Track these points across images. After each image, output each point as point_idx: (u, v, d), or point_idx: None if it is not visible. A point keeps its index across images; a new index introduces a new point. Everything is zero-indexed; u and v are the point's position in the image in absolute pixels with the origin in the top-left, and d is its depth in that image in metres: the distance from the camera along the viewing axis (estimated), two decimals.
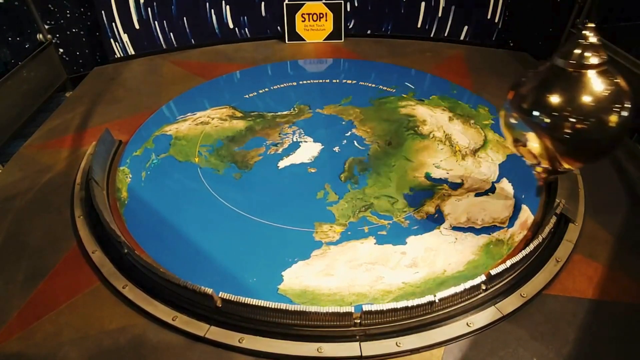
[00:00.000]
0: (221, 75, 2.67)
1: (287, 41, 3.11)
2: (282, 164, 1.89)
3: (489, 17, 2.94)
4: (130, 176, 1.83)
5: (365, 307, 1.16)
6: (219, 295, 1.20)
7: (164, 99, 2.41)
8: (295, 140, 2.04)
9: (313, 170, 1.85)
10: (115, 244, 1.43)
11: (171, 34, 2.99)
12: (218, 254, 1.47)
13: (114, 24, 2.81)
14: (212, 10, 2.99)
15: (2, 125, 2.23)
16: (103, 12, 2.74)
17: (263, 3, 3.03)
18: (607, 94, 1.16)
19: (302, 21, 3.06)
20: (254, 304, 1.17)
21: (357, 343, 1.17)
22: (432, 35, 3.11)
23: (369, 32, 3.20)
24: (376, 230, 1.54)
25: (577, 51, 1.17)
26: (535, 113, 1.20)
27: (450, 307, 1.23)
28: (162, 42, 3.00)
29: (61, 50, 2.78)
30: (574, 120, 1.15)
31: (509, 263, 1.28)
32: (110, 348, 1.18)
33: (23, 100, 2.42)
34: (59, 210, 1.65)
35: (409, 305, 1.17)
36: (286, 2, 3.00)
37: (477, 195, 1.69)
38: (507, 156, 1.89)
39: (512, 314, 1.24)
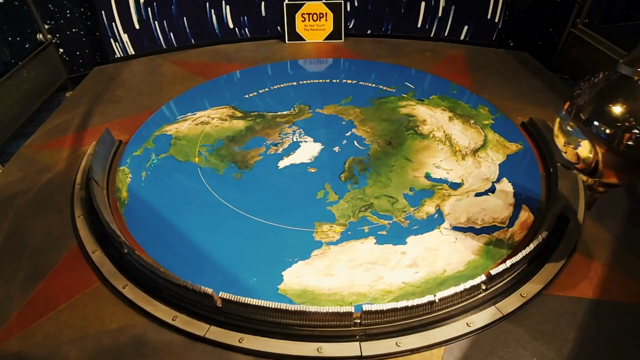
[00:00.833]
0: (221, 75, 2.67)
1: (287, 41, 3.11)
2: (282, 163, 1.89)
3: (489, 16, 2.94)
4: (131, 176, 1.83)
5: (365, 307, 1.16)
6: (219, 295, 1.20)
7: (164, 98, 2.41)
8: (295, 140, 2.04)
9: (313, 170, 1.85)
10: (116, 243, 1.43)
11: (171, 33, 2.99)
12: (218, 254, 1.47)
13: (114, 23, 2.81)
14: (212, 10, 3.00)
15: (3, 125, 2.24)
16: (103, 12, 2.74)
17: (263, 3, 3.03)
18: None
19: (302, 21, 3.06)
20: (254, 303, 1.17)
21: (357, 343, 1.17)
22: (432, 35, 3.11)
23: (369, 32, 3.20)
24: (376, 230, 1.54)
25: None
26: (596, 123, 1.12)
27: (450, 307, 1.23)
28: (162, 42, 3.00)
29: (61, 50, 2.78)
30: (637, 132, 1.07)
31: (509, 263, 1.28)
32: (111, 348, 1.18)
33: (23, 100, 2.42)
34: (59, 210, 1.66)
35: (409, 305, 1.17)
36: (286, 2, 3.00)
37: (477, 195, 1.69)
38: (507, 156, 1.89)
39: (512, 313, 1.24)
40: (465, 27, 3.03)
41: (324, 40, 3.12)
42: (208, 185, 1.78)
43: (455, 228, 1.54)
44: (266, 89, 2.48)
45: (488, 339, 1.19)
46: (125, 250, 1.39)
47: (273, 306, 1.16)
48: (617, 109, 1.10)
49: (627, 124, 1.08)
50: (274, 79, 2.62)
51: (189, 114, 2.25)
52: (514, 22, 2.92)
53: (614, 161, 1.15)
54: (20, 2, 2.51)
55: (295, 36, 3.10)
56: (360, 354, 1.15)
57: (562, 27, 2.71)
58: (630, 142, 1.09)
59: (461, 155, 1.90)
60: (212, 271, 1.41)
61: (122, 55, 2.93)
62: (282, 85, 2.52)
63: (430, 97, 2.35)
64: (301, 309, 1.16)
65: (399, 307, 1.16)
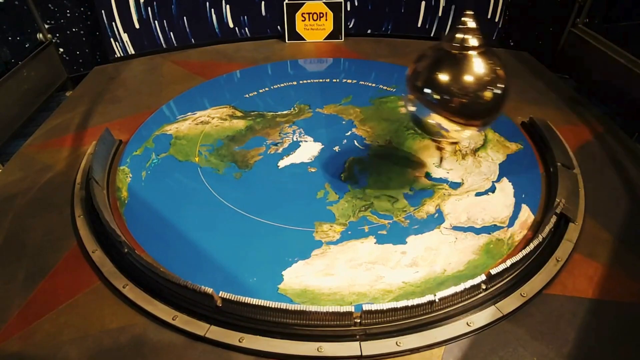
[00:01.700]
0: (221, 75, 2.67)
1: (287, 41, 3.11)
2: (282, 163, 1.89)
3: (489, 16, 2.93)
4: (131, 176, 1.83)
5: (366, 307, 1.16)
6: (219, 295, 1.20)
7: (164, 98, 2.41)
8: (295, 139, 2.04)
9: (313, 170, 1.85)
10: (116, 243, 1.43)
11: (171, 33, 2.99)
12: (218, 254, 1.47)
13: (114, 23, 2.81)
14: (212, 10, 3.00)
15: (3, 125, 2.24)
16: (103, 11, 2.74)
17: (263, 3, 3.03)
18: (486, 71, 1.34)
19: (302, 20, 3.06)
20: (254, 303, 1.17)
21: (357, 342, 1.17)
22: (432, 34, 3.11)
23: (369, 31, 3.19)
24: (376, 229, 1.54)
25: (459, 35, 1.34)
26: (428, 91, 1.38)
27: (450, 307, 1.23)
28: (162, 42, 3.00)
29: (61, 49, 2.78)
30: (458, 95, 1.34)
31: (509, 263, 1.28)
32: (111, 347, 1.18)
33: (23, 99, 2.42)
34: (60, 210, 1.66)
35: (409, 304, 1.17)
36: (286, 1, 3.00)
37: (477, 194, 1.69)
38: (507, 156, 1.89)
39: (512, 313, 1.24)
40: None
41: (324, 39, 3.12)
42: (208, 184, 1.78)
43: (456, 228, 1.54)
44: (266, 89, 2.48)
45: (488, 338, 1.19)
46: (126, 250, 1.39)
47: (273, 306, 1.16)
48: (444, 77, 1.35)
49: (452, 88, 1.34)
50: (274, 78, 2.62)
51: (189, 113, 2.25)
52: (514, 22, 2.92)
53: (450, 119, 1.40)
54: (20, 1, 2.51)
55: (295, 36, 3.10)
56: (360, 354, 1.15)
57: (563, 27, 2.70)
58: (455, 105, 1.35)
59: (461, 154, 1.90)
60: (212, 271, 1.41)
61: (122, 54, 2.93)
62: (282, 85, 2.52)
63: None
64: (301, 309, 1.16)
65: (399, 306, 1.16)
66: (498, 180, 1.76)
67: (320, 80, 2.58)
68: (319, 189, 1.73)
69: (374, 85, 2.50)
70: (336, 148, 1.98)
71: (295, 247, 1.48)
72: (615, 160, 1.86)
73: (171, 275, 1.27)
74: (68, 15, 2.72)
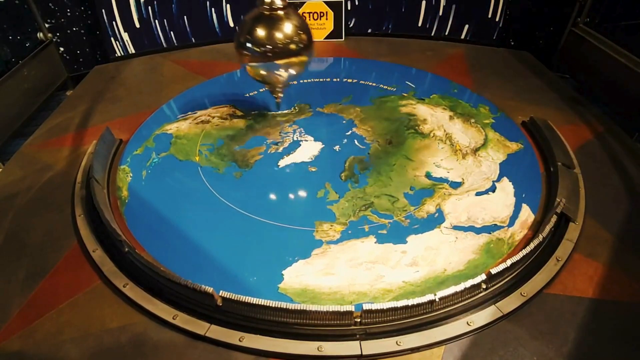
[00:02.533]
0: (222, 74, 2.67)
1: None
2: (282, 162, 1.89)
3: (489, 15, 2.93)
4: (131, 175, 1.83)
5: (366, 306, 1.16)
6: (220, 294, 1.20)
7: (164, 97, 2.41)
8: (295, 139, 2.04)
9: (313, 169, 1.85)
10: (116, 242, 1.43)
11: (171, 32, 2.99)
12: (218, 253, 1.47)
13: (114, 22, 2.81)
14: (213, 9, 2.99)
15: (3, 124, 2.24)
16: (103, 10, 2.74)
17: None
18: (291, 26, 1.84)
19: None
20: (254, 302, 1.17)
21: (358, 342, 1.17)
22: (432, 34, 3.11)
23: (369, 30, 3.19)
24: (376, 229, 1.54)
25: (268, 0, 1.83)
26: (249, 45, 1.85)
27: (450, 306, 1.23)
28: (163, 41, 2.99)
29: (62, 48, 2.78)
30: (271, 47, 1.83)
31: (509, 262, 1.28)
32: (111, 346, 1.19)
33: (24, 99, 2.42)
34: (60, 209, 1.66)
35: (409, 304, 1.17)
36: (287, 0, 2.99)
37: (477, 194, 1.69)
38: (508, 155, 1.89)
39: (512, 313, 1.24)
40: (466, 26, 3.03)
41: (325, 39, 3.12)
42: (208, 184, 1.78)
43: (456, 227, 1.54)
44: (266, 88, 2.47)
45: (488, 338, 1.19)
46: (126, 249, 1.39)
47: (273, 305, 1.16)
48: (261, 33, 1.83)
49: (267, 40, 1.83)
50: None
51: (190, 112, 2.25)
52: (515, 21, 2.92)
53: (274, 65, 1.90)
54: (20, 0, 2.51)
55: None
56: (360, 353, 1.15)
57: (563, 26, 2.70)
58: (272, 54, 1.85)
59: (462, 154, 1.90)
60: (212, 270, 1.41)
61: (122, 54, 2.93)
62: None
63: (431, 96, 2.35)
64: (301, 308, 1.16)
65: (399, 306, 1.16)
66: (498, 179, 1.76)
67: (321, 80, 2.58)
68: (319, 189, 1.73)
69: (374, 84, 2.50)
70: (336, 147, 1.98)
71: (296, 247, 1.48)
72: (616, 160, 1.86)
73: (171, 274, 1.27)
74: (68, 14, 2.72)
